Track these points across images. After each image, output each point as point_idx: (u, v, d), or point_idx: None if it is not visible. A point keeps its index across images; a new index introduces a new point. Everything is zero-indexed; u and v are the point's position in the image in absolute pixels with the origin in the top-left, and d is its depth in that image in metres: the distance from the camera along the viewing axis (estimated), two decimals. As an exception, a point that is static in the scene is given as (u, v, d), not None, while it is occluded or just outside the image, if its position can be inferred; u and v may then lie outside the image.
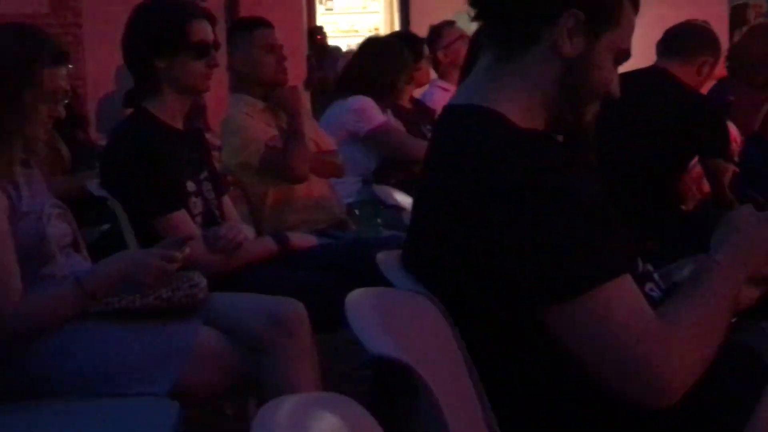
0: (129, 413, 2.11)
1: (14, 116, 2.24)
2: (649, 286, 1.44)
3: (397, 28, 10.13)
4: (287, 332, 2.36)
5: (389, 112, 4.17)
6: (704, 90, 4.10)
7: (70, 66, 2.38)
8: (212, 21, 2.98)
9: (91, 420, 2.10)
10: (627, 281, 1.26)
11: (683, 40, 3.69)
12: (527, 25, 1.36)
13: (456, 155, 1.39)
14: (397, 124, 4.08)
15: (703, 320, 1.28)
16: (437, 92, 5.04)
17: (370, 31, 10.87)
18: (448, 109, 1.51)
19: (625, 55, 1.42)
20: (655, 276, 1.51)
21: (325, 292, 2.67)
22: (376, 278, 1.58)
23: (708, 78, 3.84)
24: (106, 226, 2.93)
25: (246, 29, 3.58)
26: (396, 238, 3.00)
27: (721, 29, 8.57)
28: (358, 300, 1.28)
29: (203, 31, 2.86)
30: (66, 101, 2.40)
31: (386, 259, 1.53)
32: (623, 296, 1.25)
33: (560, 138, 1.49)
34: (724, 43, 8.26)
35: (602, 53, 1.38)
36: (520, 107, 1.38)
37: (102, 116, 7.21)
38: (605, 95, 1.40)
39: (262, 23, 3.60)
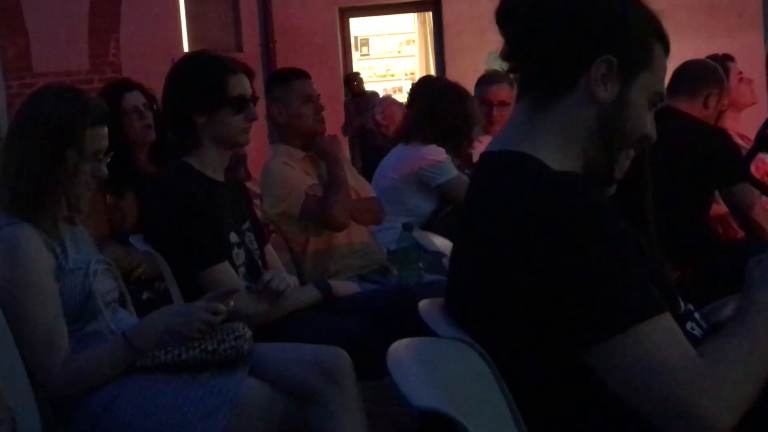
0: None
1: (58, 176, 2.26)
2: (690, 325, 1.46)
3: (432, 71, 10.04)
4: (333, 381, 2.35)
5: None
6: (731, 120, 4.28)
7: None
8: (250, 75, 2.97)
9: None
10: (667, 319, 1.28)
11: (685, 77, 3.74)
12: (561, 73, 1.37)
13: (495, 201, 1.40)
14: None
15: (747, 357, 1.28)
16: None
17: (406, 75, 11.09)
18: (486, 155, 1.51)
19: (659, 97, 1.44)
20: (696, 315, 1.52)
21: (369, 340, 2.65)
22: (419, 325, 1.55)
23: (717, 109, 3.88)
24: (146, 295, 2.99)
25: (283, 81, 3.55)
26: (437, 283, 2.92)
27: (758, 58, 8.26)
28: (399, 351, 1.30)
29: (241, 85, 2.86)
30: (109, 160, 2.39)
31: (428, 308, 1.53)
32: (664, 333, 1.27)
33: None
34: (762, 72, 7.73)
35: (637, 97, 1.38)
36: (557, 153, 1.38)
37: None
38: (642, 139, 1.41)
39: (299, 74, 3.58)
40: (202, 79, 2.85)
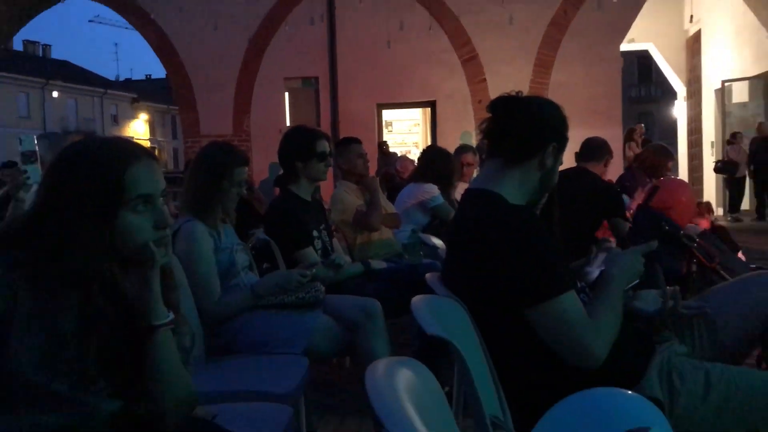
0: (279, 364, 2.52)
1: (218, 194, 2.76)
2: (581, 295, 1.81)
3: (429, 142, 12.57)
4: (371, 318, 2.80)
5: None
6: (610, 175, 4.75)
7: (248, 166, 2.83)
8: (329, 139, 3.53)
9: (257, 367, 2.52)
10: (573, 294, 1.67)
11: (592, 149, 4.42)
12: (529, 150, 1.82)
13: (474, 217, 1.80)
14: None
15: (610, 313, 1.73)
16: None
17: (414, 144, 13.99)
18: (469, 190, 1.91)
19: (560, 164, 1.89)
20: (586, 289, 1.90)
21: (391, 295, 3.15)
22: (422, 288, 1.95)
23: (606, 169, 4.54)
24: (266, 265, 3.15)
25: (346, 144, 4.30)
26: (433, 265, 3.59)
27: (618, 143, 11.44)
28: (418, 302, 1.59)
29: (324, 145, 3.43)
30: (246, 186, 2.92)
31: (431, 278, 1.93)
32: (573, 302, 1.66)
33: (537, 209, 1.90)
34: (619, 152, 10.86)
35: (557, 166, 1.88)
36: (514, 193, 1.82)
37: (261, 191, 8.33)
38: (552, 188, 1.91)
39: (356, 140, 4.30)
40: (301, 141, 3.42)
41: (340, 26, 12.39)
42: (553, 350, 1.69)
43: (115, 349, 1.37)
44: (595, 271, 2.02)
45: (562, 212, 2.05)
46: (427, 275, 1.98)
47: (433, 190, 4.75)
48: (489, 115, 1.90)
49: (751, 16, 12.70)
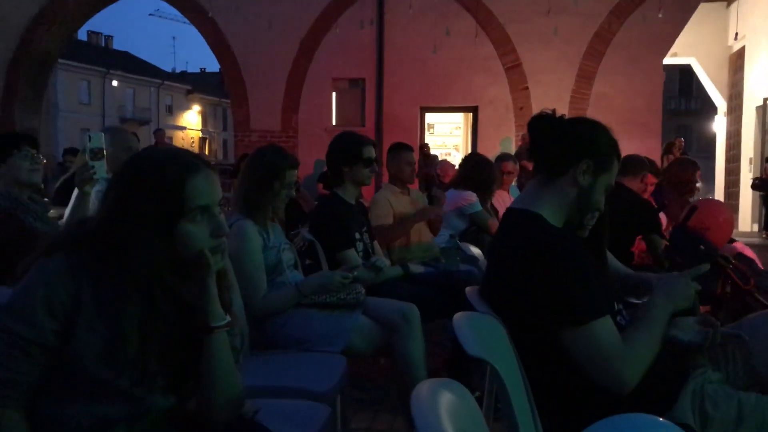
0: (318, 361, 2.57)
1: (268, 195, 2.81)
2: (618, 318, 1.82)
3: (469, 147, 12.98)
4: (408, 321, 2.81)
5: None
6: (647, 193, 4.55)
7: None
8: (375, 146, 3.56)
9: (297, 363, 2.57)
10: (608, 320, 1.65)
11: (630, 164, 4.26)
12: (561, 165, 1.79)
13: (513, 238, 1.79)
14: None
15: (647, 341, 1.69)
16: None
17: (455, 147, 14.03)
18: (511, 209, 1.90)
19: (610, 189, 1.84)
20: (623, 312, 1.89)
21: (429, 300, 3.22)
22: (458, 294, 2.14)
23: (647, 186, 4.43)
24: (308, 261, 3.17)
25: (398, 149, 4.31)
26: (470, 272, 3.69)
27: (656, 156, 11.35)
28: (459, 319, 1.61)
29: (370, 152, 3.47)
30: (297, 188, 2.96)
31: (471, 293, 1.91)
32: (606, 328, 1.64)
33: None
34: (658, 164, 9.80)
35: (598, 186, 1.81)
36: (553, 212, 1.81)
37: (305, 186, 8.90)
38: (597, 210, 1.84)
39: (407, 147, 4.33)
40: (349, 146, 3.47)
41: (388, 31, 12.44)
42: (585, 373, 1.67)
43: (174, 349, 1.42)
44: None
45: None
46: (468, 289, 1.96)
47: (471, 197, 4.79)
48: (528, 128, 1.90)
49: (797, 36, 12.30)
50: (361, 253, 3.40)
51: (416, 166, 4.62)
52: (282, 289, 2.78)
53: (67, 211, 3.34)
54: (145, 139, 33.13)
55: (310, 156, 12.29)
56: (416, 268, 3.60)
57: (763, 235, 12.39)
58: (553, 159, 1.84)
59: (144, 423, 1.42)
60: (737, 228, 13.38)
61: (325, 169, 11.45)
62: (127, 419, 1.40)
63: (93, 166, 2.80)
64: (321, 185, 10.93)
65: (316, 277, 2.86)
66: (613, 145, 1.87)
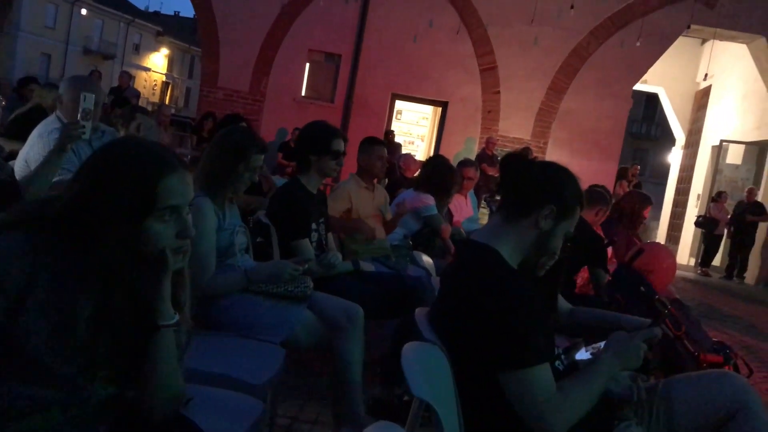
0: (257, 351, 2.56)
1: (231, 176, 2.78)
2: (557, 362, 1.82)
3: (434, 139, 12.94)
4: (351, 321, 2.84)
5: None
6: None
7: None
8: (345, 139, 3.49)
9: (236, 350, 2.55)
10: (546, 367, 1.68)
11: (590, 197, 4.21)
12: (526, 207, 1.83)
13: (468, 271, 1.81)
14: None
15: (583, 394, 1.73)
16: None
17: (419, 137, 14.00)
18: (469, 241, 1.94)
19: (569, 236, 1.86)
20: (562, 356, 1.90)
21: (376, 300, 3.25)
22: (406, 299, 2.42)
23: (600, 218, 4.48)
24: (259, 239, 3.15)
25: (371, 144, 4.31)
26: (419, 279, 3.67)
27: (612, 179, 11.63)
28: (408, 353, 1.63)
29: (339, 145, 3.44)
30: (260, 173, 2.92)
31: (420, 316, 1.92)
32: (542, 375, 1.68)
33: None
34: (612, 188, 10.46)
35: (558, 232, 1.84)
36: (511, 251, 1.83)
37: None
38: (553, 254, 1.87)
39: (381, 142, 4.34)
40: (319, 136, 3.43)
41: (372, 11, 12.35)
42: (517, 415, 1.70)
43: (123, 342, 1.40)
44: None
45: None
46: (417, 311, 1.96)
47: (429, 200, 4.82)
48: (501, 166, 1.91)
49: (760, 85, 12.75)
50: (314, 244, 3.39)
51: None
52: (231, 272, 2.75)
53: (28, 156, 3.30)
54: (108, 74, 32.16)
55: (275, 124, 12.38)
56: (367, 266, 3.61)
57: (698, 271, 12.71)
58: (519, 199, 1.87)
59: (79, 409, 1.39)
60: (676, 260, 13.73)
61: (287, 138, 11.33)
62: (64, 404, 1.38)
63: (84, 126, 2.83)
64: (281, 154, 10.94)
65: (267, 265, 2.83)
66: (579, 194, 1.90)
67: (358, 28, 12.40)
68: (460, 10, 12.22)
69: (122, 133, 4.15)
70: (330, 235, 3.63)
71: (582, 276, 4.24)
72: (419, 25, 12.01)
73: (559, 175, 1.90)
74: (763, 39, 11.92)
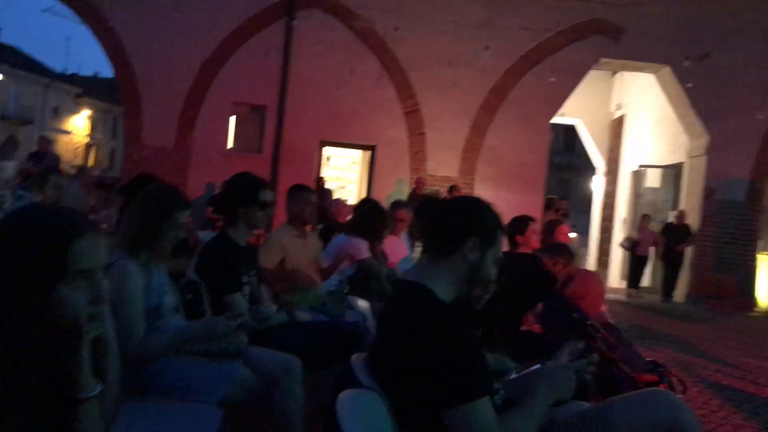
0: (193, 413, 2.50)
1: (155, 236, 2.74)
2: (496, 397, 1.86)
3: (366, 181, 12.97)
4: (289, 375, 2.81)
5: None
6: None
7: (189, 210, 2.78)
8: (273, 190, 3.55)
9: (170, 415, 2.48)
10: (486, 401, 1.70)
11: (554, 248, 4.51)
12: (450, 245, 1.86)
13: (401, 311, 1.82)
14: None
15: (524, 427, 1.78)
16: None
17: (349, 181, 14.07)
18: (402, 281, 1.98)
19: (499, 260, 1.91)
20: (501, 391, 1.94)
21: (314, 349, 3.23)
22: (344, 346, 2.33)
23: (559, 270, 4.41)
24: (189, 296, 3.04)
25: (299, 191, 4.31)
26: (356, 324, 3.70)
27: (539, 210, 11.77)
28: (344, 401, 1.67)
29: (267, 195, 3.43)
30: (186, 230, 2.94)
31: (356, 362, 1.89)
32: (483, 410, 1.69)
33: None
34: (539, 219, 10.36)
35: (487, 260, 1.88)
36: (443, 287, 1.85)
37: (194, 209, 7.83)
38: (489, 282, 1.91)
39: (309, 189, 4.38)
40: (246, 188, 3.41)
41: (294, 62, 12.44)
42: None
43: (40, 419, 1.32)
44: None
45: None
46: (354, 357, 1.95)
47: (360, 244, 4.81)
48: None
49: (669, 111, 13.37)
50: (247, 297, 3.33)
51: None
52: (161, 334, 2.68)
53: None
54: (26, 140, 31.16)
55: (202, 178, 12.19)
56: (303, 316, 3.56)
57: (627, 293, 13.05)
58: (441, 240, 1.90)
59: None
60: (608, 284, 14.16)
61: (216, 191, 10.92)
62: None
63: (4, 195, 2.74)
64: (210, 209, 10.75)
65: (199, 324, 2.77)
66: (497, 220, 1.94)
67: (281, 78, 12.45)
68: (380, 57, 12.47)
69: (39, 197, 4.00)
70: (263, 287, 3.61)
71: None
72: (342, 73, 12.19)
73: (474, 207, 1.94)
74: (668, 68, 12.54)
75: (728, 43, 12.27)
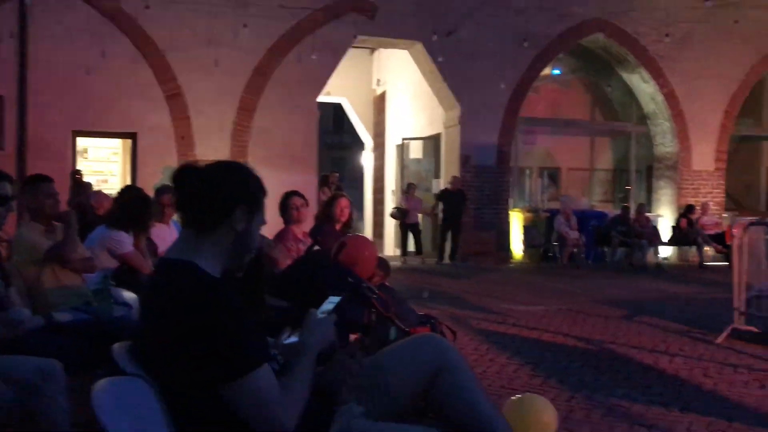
0: None
1: None
2: (273, 363, 1.83)
3: (129, 172, 12.50)
4: (49, 380, 2.64)
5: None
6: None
7: None
8: (11, 181, 3.29)
9: None
10: (266, 369, 1.68)
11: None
12: (215, 218, 1.78)
13: (166, 290, 1.71)
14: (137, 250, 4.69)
15: (301, 385, 1.77)
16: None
17: (111, 174, 13.36)
18: (164, 260, 1.84)
19: (264, 223, 1.88)
20: (278, 357, 1.90)
21: (77, 352, 3.02)
22: (109, 338, 2.04)
23: (376, 282, 4.00)
24: None
25: (34, 183, 3.92)
26: (124, 319, 3.54)
27: (313, 188, 12.06)
28: (100, 389, 1.54)
29: (4, 188, 3.21)
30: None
31: (119, 351, 1.75)
32: (264, 377, 1.67)
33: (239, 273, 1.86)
34: (315, 198, 11.29)
35: (255, 227, 1.84)
36: (209, 260, 1.77)
37: None
38: (254, 249, 1.87)
39: (45, 179, 3.92)
40: None
41: (33, 45, 11.31)
42: (245, 424, 1.67)
43: None
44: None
45: None
46: (115, 346, 1.79)
47: (121, 237, 4.59)
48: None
49: (425, 85, 14.19)
50: (-6, 303, 2.98)
51: (63, 190, 4.09)
52: None
53: None
54: None
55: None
56: (62, 317, 3.31)
57: (402, 260, 13.76)
58: (203, 214, 1.79)
59: None
60: (383, 252, 14.84)
61: None
62: None
63: None
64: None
65: None
66: (260, 184, 1.89)
67: (19, 65, 11.26)
68: (133, 38, 11.77)
69: None
70: (12, 290, 3.27)
71: None
72: (91, 57, 11.31)
73: (237, 174, 1.85)
74: (420, 44, 13.29)
75: (471, 19, 13.25)
